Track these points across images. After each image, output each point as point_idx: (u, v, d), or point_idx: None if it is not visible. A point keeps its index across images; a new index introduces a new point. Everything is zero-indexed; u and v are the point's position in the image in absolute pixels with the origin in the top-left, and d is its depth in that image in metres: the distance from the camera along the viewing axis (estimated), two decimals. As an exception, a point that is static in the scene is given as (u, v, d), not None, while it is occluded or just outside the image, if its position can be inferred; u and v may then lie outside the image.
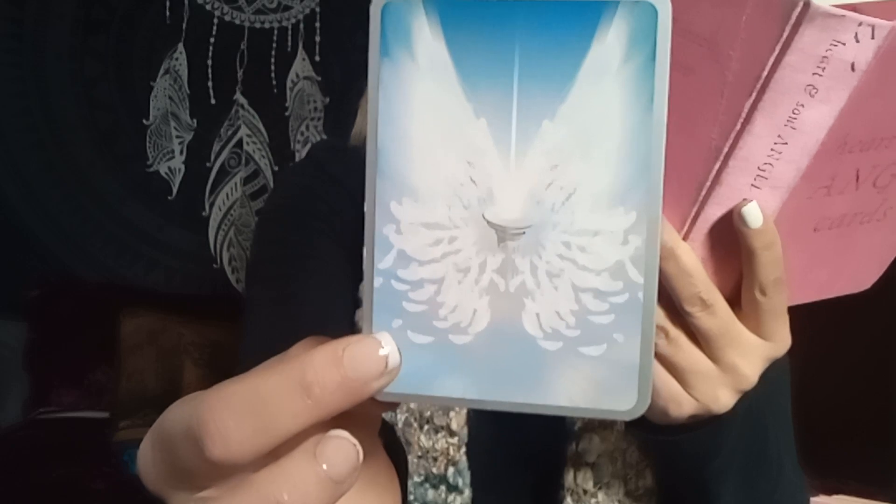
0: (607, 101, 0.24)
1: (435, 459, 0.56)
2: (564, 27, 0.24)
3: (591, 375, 0.25)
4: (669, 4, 0.24)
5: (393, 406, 0.28)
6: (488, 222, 0.25)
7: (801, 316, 0.45)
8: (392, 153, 0.26)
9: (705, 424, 0.45)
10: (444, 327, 0.26)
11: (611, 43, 0.24)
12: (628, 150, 0.25)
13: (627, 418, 0.25)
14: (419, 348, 0.26)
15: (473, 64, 0.25)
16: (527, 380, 0.26)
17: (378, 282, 0.26)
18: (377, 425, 0.30)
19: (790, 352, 0.44)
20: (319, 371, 0.24)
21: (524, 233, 0.25)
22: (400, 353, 0.26)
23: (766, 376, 0.43)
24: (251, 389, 0.24)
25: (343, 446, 0.24)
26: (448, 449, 0.56)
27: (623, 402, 0.25)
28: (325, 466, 0.24)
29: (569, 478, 0.56)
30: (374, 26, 0.25)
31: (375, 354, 0.25)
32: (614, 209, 0.25)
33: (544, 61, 0.25)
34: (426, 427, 0.56)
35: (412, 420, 0.56)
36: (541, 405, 0.26)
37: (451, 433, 0.56)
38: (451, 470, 0.56)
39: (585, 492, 0.56)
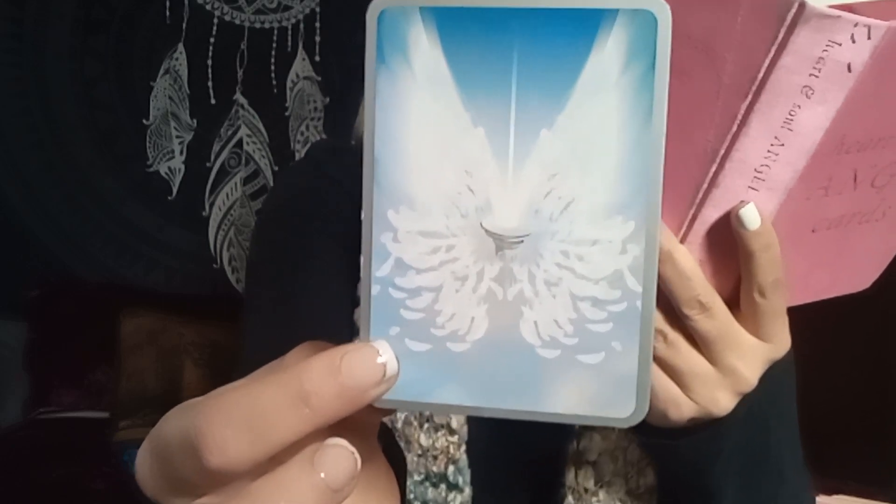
0: (606, 111, 0.24)
1: (435, 458, 0.56)
2: (563, 36, 0.24)
3: (588, 383, 0.25)
4: (669, 14, 0.24)
5: (391, 412, 0.28)
6: (486, 231, 0.25)
7: (800, 316, 0.45)
8: (389, 162, 0.25)
9: (705, 427, 0.45)
10: (442, 335, 0.26)
11: (610, 52, 0.24)
12: (627, 160, 0.24)
13: (625, 426, 0.25)
14: (417, 356, 0.26)
15: (471, 72, 0.25)
16: (524, 388, 0.26)
17: (376, 290, 0.26)
18: (375, 430, 0.30)
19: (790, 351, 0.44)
20: (317, 380, 0.24)
21: (522, 241, 0.25)
22: (398, 361, 0.26)
23: (768, 377, 0.43)
24: (248, 399, 0.24)
25: (341, 455, 0.24)
26: (448, 447, 0.56)
27: (621, 410, 0.25)
28: (322, 475, 0.24)
29: (570, 476, 0.56)
30: (370, 34, 0.25)
31: (373, 362, 0.25)
32: (612, 218, 0.25)
33: (543, 70, 0.24)
34: (426, 426, 0.56)
35: (412, 419, 0.56)
36: (538, 413, 0.26)
37: (451, 431, 0.56)
38: (451, 468, 0.55)
39: (586, 490, 0.56)
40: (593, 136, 0.25)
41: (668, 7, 0.24)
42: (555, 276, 0.25)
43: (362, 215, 0.26)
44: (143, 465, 0.26)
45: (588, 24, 0.24)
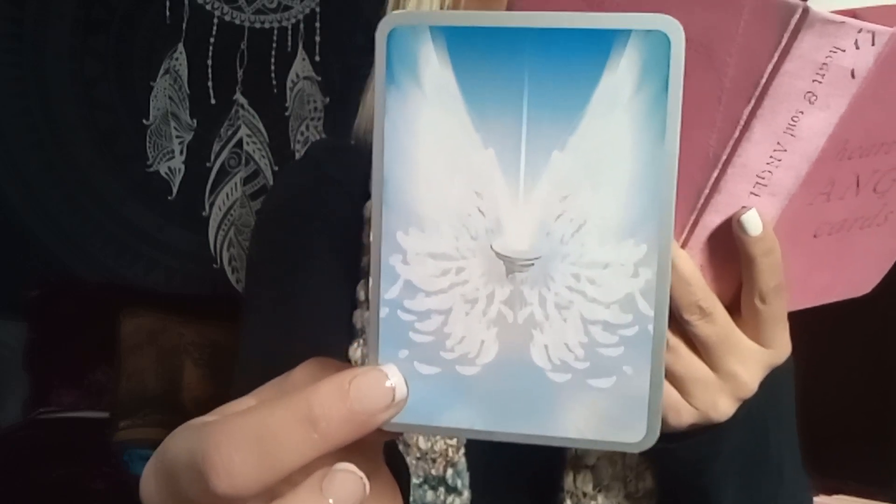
0: (618, 132, 0.24)
1: (434, 461, 0.56)
2: (575, 56, 0.24)
3: (599, 408, 0.25)
4: (683, 35, 0.24)
5: (398, 435, 0.28)
6: (496, 253, 0.25)
7: (801, 317, 0.45)
8: (398, 182, 0.25)
9: (704, 431, 0.45)
10: (452, 358, 0.26)
11: (622, 72, 0.24)
12: (639, 183, 0.24)
13: (636, 451, 0.25)
14: (426, 379, 0.26)
15: (482, 92, 0.24)
16: (535, 411, 0.25)
17: (384, 312, 0.26)
18: (381, 448, 0.30)
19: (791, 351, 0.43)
20: (326, 404, 0.24)
21: (533, 264, 0.25)
22: (407, 385, 0.25)
23: (768, 379, 0.43)
24: (256, 423, 0.24)
25: (349, 480, 0.24)
26: (447, 450, 0.55)
27: (632, 435, 0.25)
28: (331, 501, 0.24)
29: (568, 480, 0.56)
30: (379, 53, 0.25)
31: (382, 386, 0.25)
32: (624, 241, 0.25)
33: (554, 91, 0.24)
34: (424, 428, 0.56)
35: (410, 422, 0.56)
36: (548, 437, 0.26)
37: (450, 435, 0.55)
38: (450, 471, 0.55)
39: (585, 494, 0.56)
40: (605, 157, 0.24)
41: (681, 28, 0.23)
42: (566, 300, 0.25)
43: (371, 237, 0.26)
44: (149, 484, 0.26)
45: (600, 45, 0.24)
